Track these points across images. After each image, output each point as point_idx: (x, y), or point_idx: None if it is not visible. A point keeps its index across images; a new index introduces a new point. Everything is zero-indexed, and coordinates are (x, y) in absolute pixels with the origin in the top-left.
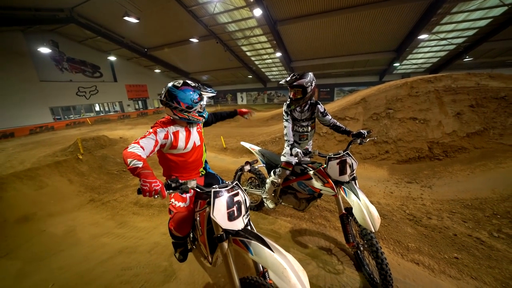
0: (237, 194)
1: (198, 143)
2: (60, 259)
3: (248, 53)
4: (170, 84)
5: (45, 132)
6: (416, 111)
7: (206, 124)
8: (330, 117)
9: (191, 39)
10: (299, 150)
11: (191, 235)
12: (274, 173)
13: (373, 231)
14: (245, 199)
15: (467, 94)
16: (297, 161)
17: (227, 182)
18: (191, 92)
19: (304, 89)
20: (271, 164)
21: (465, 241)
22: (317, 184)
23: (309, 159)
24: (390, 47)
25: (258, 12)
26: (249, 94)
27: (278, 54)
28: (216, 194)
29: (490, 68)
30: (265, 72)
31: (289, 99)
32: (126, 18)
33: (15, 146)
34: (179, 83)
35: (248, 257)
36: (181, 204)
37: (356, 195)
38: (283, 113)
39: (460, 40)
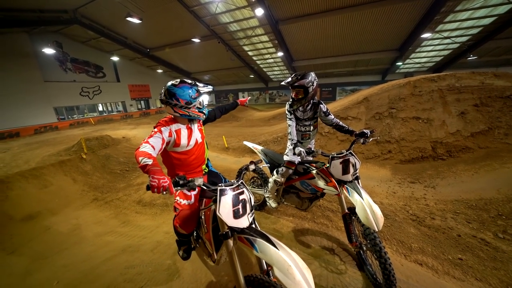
0: (242, 193)
1: (199, 140)
2: (64, 257)
3: (250, 53)
4: (168, 83)
5: (49, 131)
6: (419, 111)
7: (213, 119)
8: (333, 117)
9: (193, 39)
10: (302, 149)
11: (195, 234)
12: (277, 172)
13: (377, 230)
14: (250, 198)
15: (471, 93)
16: (300, 160)
17: (232, 181)
18: (189, 89)
19: (305, 89)
20: (274, 163)
21: (470, 242)
22: (320, 183)
23: (312, 158)
24: (393, 46)
25: (259, 11)
26: (250, 94)
27: (280, 54)
28: (222, 192)
29: (495, 67)
30: (266, 72)
31: (291, 99)
32: (128, 18)
33: (20, 145)
34: (176, 81)
35: (251, 256)
36: (186, 202)
37: (359, 194)
38: (286, 112)
39: (464, 39)
